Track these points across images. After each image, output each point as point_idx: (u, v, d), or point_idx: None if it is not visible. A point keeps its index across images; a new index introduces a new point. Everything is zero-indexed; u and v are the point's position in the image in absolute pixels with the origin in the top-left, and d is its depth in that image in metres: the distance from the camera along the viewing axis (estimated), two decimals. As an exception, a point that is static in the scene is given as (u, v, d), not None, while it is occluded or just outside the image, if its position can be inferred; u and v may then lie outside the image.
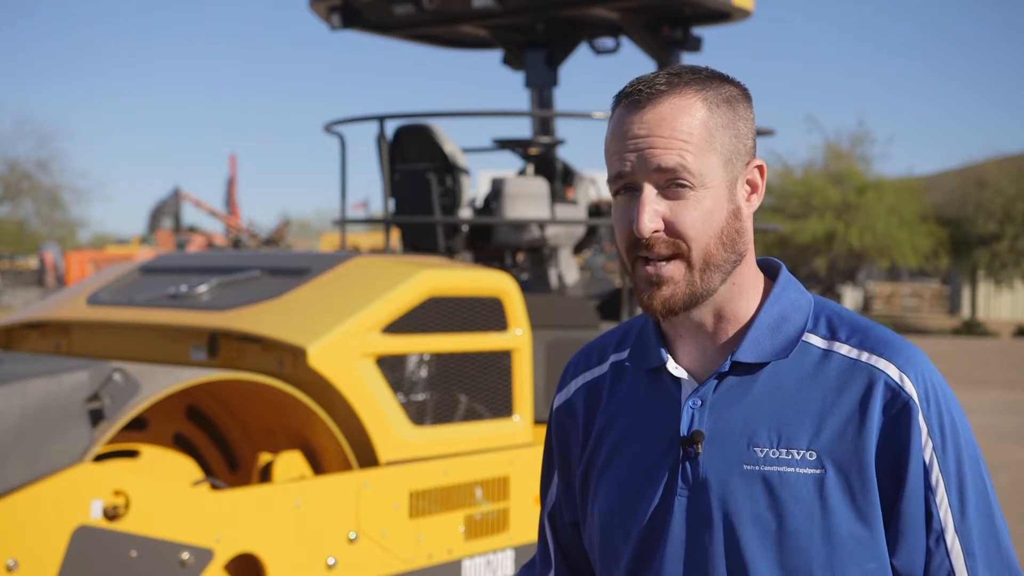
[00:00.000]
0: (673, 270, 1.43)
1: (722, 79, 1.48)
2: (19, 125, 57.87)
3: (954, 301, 38.00)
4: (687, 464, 1.46)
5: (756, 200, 1.49)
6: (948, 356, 22.50)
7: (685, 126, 1.41)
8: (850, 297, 37.41)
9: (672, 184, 1.41)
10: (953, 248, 33.36)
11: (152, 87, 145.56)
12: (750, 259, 1.50)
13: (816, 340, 1.47)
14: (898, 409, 1.41)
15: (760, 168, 1.49)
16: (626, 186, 1.44)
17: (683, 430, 1.47)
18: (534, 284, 5.64)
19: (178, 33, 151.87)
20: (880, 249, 31.62)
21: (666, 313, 1.45)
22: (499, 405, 4.41)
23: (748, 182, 1.48)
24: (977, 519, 1.43)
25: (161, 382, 3.55)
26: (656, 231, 1.42)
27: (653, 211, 1.41)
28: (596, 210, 6.01)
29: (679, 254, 1.43)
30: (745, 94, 1.49)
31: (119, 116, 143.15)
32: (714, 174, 1.43)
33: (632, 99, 1.44)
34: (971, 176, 34.01)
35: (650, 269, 1.43)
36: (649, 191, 1.42)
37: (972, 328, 31.68)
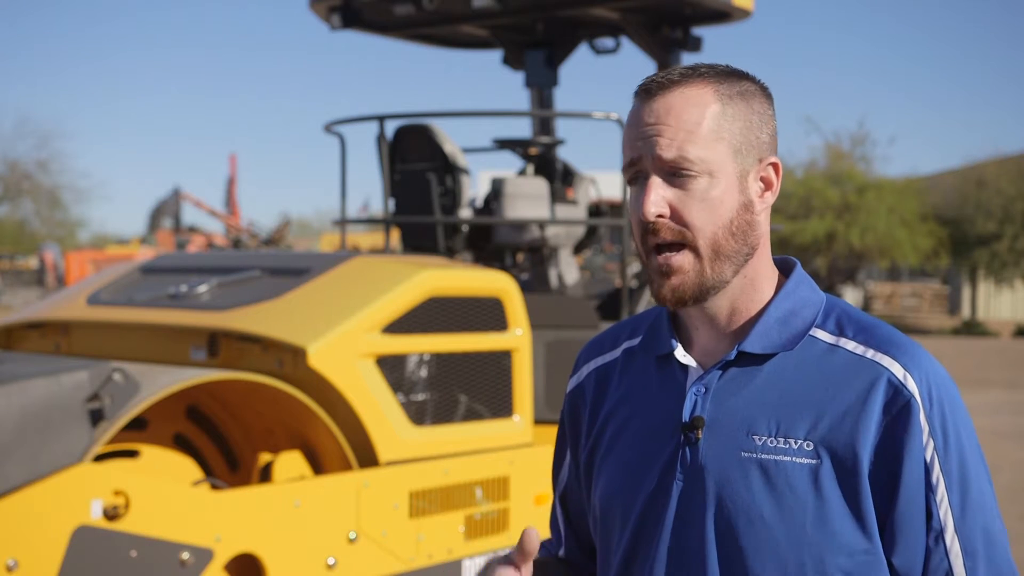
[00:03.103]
0: (682, 259, 1.45)
1: (740, 75, 1.50)
2: (19, 125, 57.78)
3: (954, 301, 37.96)
4: (687, 449, 1.47)
5: (770, 197, 1.50)
6: (948, 356, 22.48)
7: (692, 116, 1.44)
8: (850, 297, 37.36)
9: (678, 173, 1.44)
10: (953, 248, 33.33)
11: (152, 87, 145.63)
12: (764, 254, 1.51)
13: (823, 335, 1.48)
14: (899, 408, 1.41)
15: (775, 166, 1.51)
16: (637, 173, 1.48)
17: (684, 416, 1.48)
18: (534, 284, 5.65)
19: (178, 33, 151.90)
20: (880, 249, 31.61)
21: (676, 303, 1.47)
22: (499, 405, 4.41)
23: (762, 179, 1.50)
24: (978, 520, 1.43)
25: (161, 382, 3.55)
26: (660, 215, 1.45)
27: (659, 197, 1.45)
28: (596, 210, 6.02)
29: (686, 243, 1.45)
30: (764, 91, 1.51)
31: (119, 116, 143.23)
32: (723, 164, 1.45)
33: (645, 90, 1.48)
34: (971, 176, 33.95)
35: (660, 259, 1.46)
36: (656, 178, 1.45)
37: (972, 328, 31.66)
